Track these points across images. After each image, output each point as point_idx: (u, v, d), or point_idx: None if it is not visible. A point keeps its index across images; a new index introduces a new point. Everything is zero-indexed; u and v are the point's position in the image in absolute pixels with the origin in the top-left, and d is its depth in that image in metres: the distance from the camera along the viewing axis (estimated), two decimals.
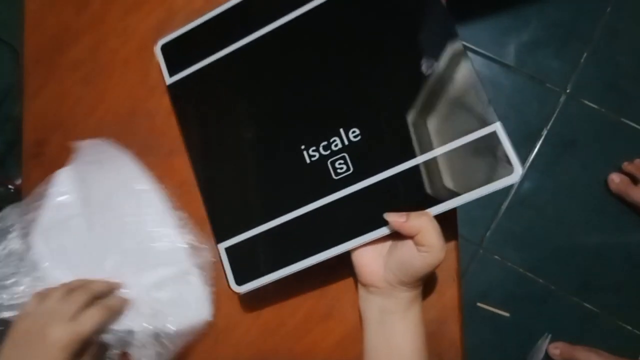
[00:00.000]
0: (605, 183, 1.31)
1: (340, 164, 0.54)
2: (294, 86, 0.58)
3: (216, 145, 0.60)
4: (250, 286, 0.56)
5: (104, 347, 0.57)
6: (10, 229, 0.61)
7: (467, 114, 0.52)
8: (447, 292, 0.59)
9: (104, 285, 0.58)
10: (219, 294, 0.62)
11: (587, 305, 1.31)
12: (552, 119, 1.35)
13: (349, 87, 0.56)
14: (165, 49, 0.63)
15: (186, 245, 0.61)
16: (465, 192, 0.51)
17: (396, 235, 0.52)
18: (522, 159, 1.35)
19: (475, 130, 0.51)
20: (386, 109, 0.54)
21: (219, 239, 0.57)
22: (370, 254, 0.53)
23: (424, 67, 0.53)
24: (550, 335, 1.32)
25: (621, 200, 1.30)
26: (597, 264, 1.31)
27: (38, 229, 0.61)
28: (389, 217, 0.51)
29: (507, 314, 1.33)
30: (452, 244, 0.59)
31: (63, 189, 0.63)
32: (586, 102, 1.35)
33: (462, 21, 1.40)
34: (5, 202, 1.20)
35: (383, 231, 0.52)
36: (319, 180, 0.55)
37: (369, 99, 0.55)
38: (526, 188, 1.35)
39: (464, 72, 0.52)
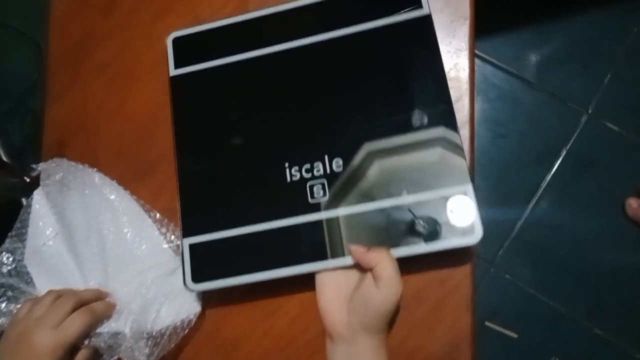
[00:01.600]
0: (623, 206, 1.30)
1: (318, 188, 0.57)
2: (291, 105, 0.61)
3: (204, 142, 0.62)
4: (205, 286, 0.58)
5: (96, 353, 0.58)
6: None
7: (444, 170, 0.55)
8: (462, 317, 0.58)
9: (91, 293, 0.59)
10: (229, 307, 0.61)
11: (597, 331, 1.30)
12: (573, 139, 1.34)
13: (341, 119, 0.59)
14: (176, 41, 0.65)
15: (167, 246, 0.62)
16: (425, 242, 0.54)
17: (359, 277, 0.54)
18: (541, 177, 1.34)
19: (448, 187, 0.55)
20: (372, 147, 0.57)
21: (186, 233, 0.59)
22: (334, 299, 0.54)
23: (414, 119, 0.57)
24: (558, 359, 1.30)
25: (638, 225, 1.29)
26: (609, 287, 1.30)
27: (26, 257, 0.63)
28: (352, 247, 0.53)
29: (515, 335, 1.32)
30: (468, 270, 0.59)
31: (41, 212, 0.64)
32: (607, 123, 1.33)
33: (485, 34, 1.39)
34: (21, 194, 1.22)
35: (346, 261, 0.54)
36: (295, 199, 0.58)
37: (358, 134, 0.58)
38: (542, 207, 1.34)
39: (449, 132, 0.56)
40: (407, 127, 0.57)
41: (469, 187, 0.54)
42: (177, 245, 0.62)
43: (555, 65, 1.37)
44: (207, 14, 0.67)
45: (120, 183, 0.65)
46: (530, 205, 1.34)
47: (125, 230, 0.62)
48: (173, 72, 0.64)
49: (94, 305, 0.58)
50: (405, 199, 0.55)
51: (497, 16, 1.35)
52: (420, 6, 0.60)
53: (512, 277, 1.33)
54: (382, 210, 0.56)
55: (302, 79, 0.61)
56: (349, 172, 0.57)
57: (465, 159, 0.55)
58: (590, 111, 1.34)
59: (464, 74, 0.61)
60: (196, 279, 0.58)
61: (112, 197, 0.63)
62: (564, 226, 1.32)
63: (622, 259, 1.30)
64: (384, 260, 0.51)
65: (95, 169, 0.64)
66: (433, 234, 0.54)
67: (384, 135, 0.57)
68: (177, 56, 0.64)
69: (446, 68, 0.61)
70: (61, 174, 0.63)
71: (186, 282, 0.58)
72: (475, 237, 0.54)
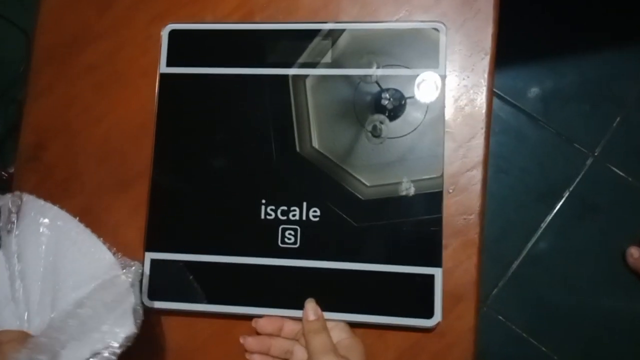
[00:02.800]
0: (623, 254, 1.26)
1: (290, 234, 0.56)
2: (283, 139, 0.57)
3: (183, 156, 0.59)
4: (159, 305, 0.57)
5: None
6: None
7: (419, 248, 0.55)
8: None
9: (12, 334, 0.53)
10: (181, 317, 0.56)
11: None
12: (576, 181, 1.30)
13: (329, 170, 0.56)
14: (173, 35, 0.61)
15: (110, 259, 0.56)
16: (381, 314, 0.54)
17: None
18: (540, 218, 1.30)
19: (419, 266, 0.54)
20: (351, 206, 0.56)
21: (149, 247, 0.58)
22: None
23: (402, 188, 0.55)
24: None
25: (637, 275, 1.25)
26: (602, 336, 1.26)
27: None
28: (308, 304, 0.53)
29: None
30: (471, 322, 0.55)
31: None
32: (613, 167, 1.30)
33: (496, 67, 1.35)
34: None
35: (297, 313, 0.54)
36: (265, 240, 0.56)
37: (340, 190, 0.56)
38: (540, 248, 1.29)
39: (434, 210, 0.55)
40: (393, 199, 0.55)
41: (439, 272, 0.54)
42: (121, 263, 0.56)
43: (563, 104, 1.33)
44: (210, 19, 0.62)
45: (99, 192, 0.61)
46: (529, 245, 1.29)
47: (65, 252, 0.55)
48: (164, 69, 0.60)
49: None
50: (373, 266, 0.55)
51: (507, 48, 1.31)
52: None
53: (504, 318, 1.28)
54: (347, 272, 0.55)
55: (302, 113, 0.58)
56: (324, 225, 0.56)
57: (442, 240, 0.55)
58: (596, 154, 1.30)
59: (481, 111, 0.57)
60: (152, 295, 0.57)
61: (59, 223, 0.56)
62: (561, 270, 1.28)
63: (618, 308, 1.26)
64: (308, 336, 0.51)
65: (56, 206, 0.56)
66: (392, 306, 0.54)
67: (366, 198, 0.56)
68: (172, 52, 0.60)
69: (461, 103, 0.57)
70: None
71: (142, 298, 0.56)
72: (431, 321, 0.53)
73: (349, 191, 0.56)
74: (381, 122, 0.56)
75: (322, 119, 0.57)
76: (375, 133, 0.56)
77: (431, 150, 0.55)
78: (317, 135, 0.57)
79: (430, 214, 0.55)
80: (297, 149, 0.57)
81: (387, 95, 0.56)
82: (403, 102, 0.56)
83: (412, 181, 0.55)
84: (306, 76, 0.58)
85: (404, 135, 0.56)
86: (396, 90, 0.56)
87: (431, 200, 0.55)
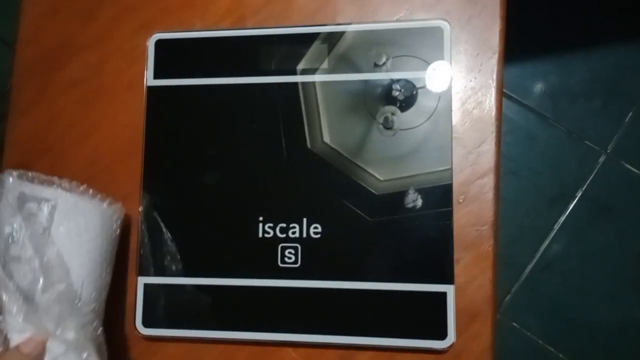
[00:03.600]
0: (639, 257, 1.22)
1: (290, 252, 0.52)
2: (280, 152, 0.54)
3: (174, 173, 0.56)
4: (155, 332, 0.53)
5: None
6: None
7: (430, 264, 0.51)
8: None
9: None
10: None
11: None
12: (589, 180, 1.26)
13: (330, 183, 0.53)
14: (159, 45, 0.57)
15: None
16: (390, 336, 0.50)
17: None
18: (553, 220, 1.26)
19: (429, 283, 0.51)
20: (354, 220, 0.52)
21: (142, 272, 0.54)
22: None
23: (407, 200, 0.52)
24: None
25: None
26: (622, 342, 1.22)
27: None
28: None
29: None
30: (487, 341, 0.51)
31: None
32: (627, 165, 1.25)
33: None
34: None
35: (300, 337, 0.51)
36: (263, 260, 0.53)
37: (353, 185, 0.53)
38: (554, 252, 1.25)
39: (442, 224, 0.51)
40: (399, 210, 0.52)
41: (451, 289, 0.50)
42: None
43: (573, 101, 1.29)
44: (199, 28, 0.59)
45: None
46: (542, 249, 1.25)
47: None
48: (151, 81, 0.57)
49: None
50: (381, 285, 0.51)
51: (514, 45, 1.28)
52: None
53: (519, 325, 1.24)
54: (352, 292, 0.51)
55: (299, 124, 0.54)
56: (326, 242, 0.52)
57: (454, 256, 0.51)
58: (609, 151, 1.26)
59: (490, 114, 0.53)
60: (147, 323, 0.54)
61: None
62: (577, 273, 1.24)
63: (635, 312, 1.22)
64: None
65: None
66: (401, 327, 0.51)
67: (372, 212, 0.52)
68: (159, 63, 0.57)
69: (469, 107, 0.53)
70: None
71: (136, 324, 0.54)
72: (444, 343, 0.50)
73: (362, 186, 0.52)
74: (392, 114, 0.53)
75: (332, 114, 0.54)
76: (387, 125, 0.52)
77: (444, 142, 0.52)
78: (328, 131, 0.54)
79: (442, 207, 0.51)
80: (308, 145, 0.54)
81: (398, 86, 0.53)
82: (414, 92, 0.52)
83: (421, 174, 0.52)
84: (309, 83, 0.54)
85: (416, 126, 0.53)
86: (407, 81, 0.53)
87: (443, 193, 0.52)
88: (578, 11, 1.33)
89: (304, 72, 0.54)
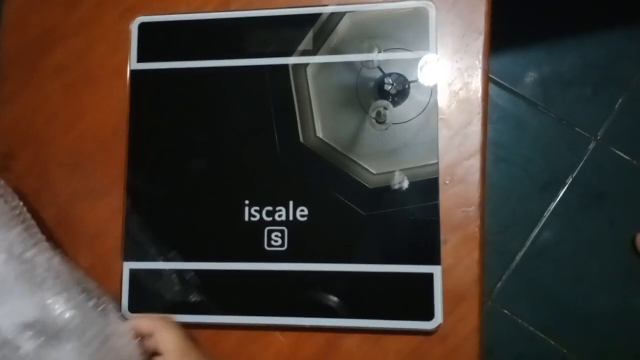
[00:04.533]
0: (633, 242, 1.22)
1: (276, 236, 0.52)
2: (264, 134, 0.54)
3: (159, 158, 0.55)
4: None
5: None
6: None
7: (417, 246, 0.51)
8: None
9: None
10: None
11: None
12: (579, 167, 1.26)
13: (316, 165, 0.53)
14: (143, 28, 0.57)
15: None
16: (378, 318, 0.50)
17: None
18: (544, 207, 1.26)
19: (416, 265, 0.51)
20: (342, 201, 0.52)
21: (127, 257, 0.54)
22: None
23: (394, 182, 0.52)
24: None
25: None
26: (616, 329, 1.22)
27: None
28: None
29: None
30: (474, 323, 0.51)
31: None
32: (617, 151, 1.26)
33: (490, 50, 1.31)
34: None
35: (287, 321, 0.52)
36: (250, 244, 0.53)
37: (332, 186, 0.53)
38: (545, 239, 1.25)
39: (429, 205, 0.51)
40: (387, 192, 0.52)
41: (438, 270, 0.50)
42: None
43: (564, 88, 1.29)
44: (184, 11, 0.58)
45: (73, 202, 0.57)
46: (532, 236, 1.25)
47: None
48: (135, 65, 0.57)
49: None
50: (369, 267, 0.51)
51: (504, 31, 1.27)
52: None
53: (510, 312, 1.24)
54: (340, 274, 0.51)
55: (286, 106, 0.54)
56: (313, 224, 0.52)
57: (441, 238, 0.51)
58: (599, 137, 1.26)
59: (477, 95, 0.53)
60: (132, 307, 0.54)
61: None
62: (568, 260, 1.24)
63: (630, 298, 1.22)
64: (159, 332, 0.46)
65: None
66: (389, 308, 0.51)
67: (358, 194, 0.52)
68: (142, 47, 0.57)
69: (456, 88, 0.53)
70: None
71: (122, 309, 0.54)
72: (432, 323, 0.50)
73: (355, 180, 0.52)
74: (385, 108, 0.52)
75: (324, 107, 0.53)
76: (380, 119, 0.52)
77: (433, 135, 0.52)
78: (321, 125, 0.53)
79: (427, 201, 0.51)
80: (301, 139, 0.53)
81: (391, 80, 0.52)
82: (407, 86, 0.52)
83: (412, 169, 0.52)
84: (299, 65, 0.54)
85: (409, 121, 0.52)
86: (399, 74, 0.53)
87: (429, 187, 0.52)
88: None
89: (291, 54, 0.54)
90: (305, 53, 0.54)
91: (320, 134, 0.53)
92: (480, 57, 0.53)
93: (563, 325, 1.23)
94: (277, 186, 0.53)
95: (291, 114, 0.53)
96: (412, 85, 0.53)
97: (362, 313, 0.51)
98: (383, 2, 0.55)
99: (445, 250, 0.51)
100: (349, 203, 0.52)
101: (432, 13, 0.53)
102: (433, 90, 0.53)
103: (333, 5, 0.55)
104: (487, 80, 0.53)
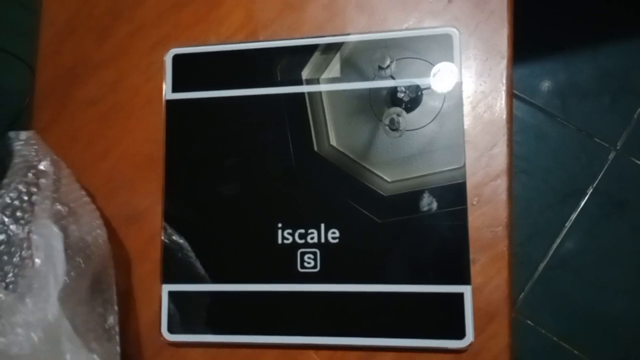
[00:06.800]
0: None
1: (309, 258, 0.53)
2: (294, 158, 0.55)
3: (195, 183, 0.57)
4: (179, 338, 0.55)
5: None
6: None
7: (447, 266, 0.52)
8: None
9: None
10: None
11: None
12: (599, 177, 1.26)
13: (340, 186, 0.54)
14: (176, 60, 0.59)
15: None
16: (410, 337, 0.51)
17: None
18: (565, 217, 1.26)
19: (446, 284, 0.51)
20: (371, 223, 0.53)
21: (166, 279, 0.56)
22: None
23: (422, 204, 0.53)
24: None
25: None
26: (638, 337, 1.21)
27: None
28: None
29: None
30: (505, 340, 0.52)
31: None
32: (637, 161, 1.26)
33: None
34: None
35: (320, 340, 0.53)
36: (283, 265, 0.54)
37: (361, 187, 0.54)
38: (567, 249, 1.26)
39: (458, 225, 0.52)
40: (416, 215, 0.53)
41: (468, 289, 0.51)
42: None
43: (582, 98, 1.30)
44: (214, 42, 0.60)
45: (110, 228, 0.59)
46: (554, 246, 1.26)
47: None
48: (170, 95, 0.58)
49: None
50: (399, 287, 0.52)
51: (521, 43, 1.28)
52: None
53: (533, 323, 1.24)
54: (370, 295, 0.52)
55: (306, 128, 0.55)
56: (345, 246, 0.53)
57: (470, 256, 0.52)
58: (618, 147, 1.26)
59: (501, 117, 0.54)
60: (172, 329, 0.55)
61: None
62: (590, 269, 1.24)
63: None
64: None
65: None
66: (419, 328, 0.52)
67: (387, 214, 0.53)
68: (176, 77, 0.59)
69: (480, 111, 0.54)
70: None
71: (162, 330, 0.55)
72: (462, 342, 0.51)
73: (370, 188, 0.53)
74: (398, 115, 0.54)
75: (338, 117, 0.55)
76: (393, 126, 0.53)
77: (452, 140, 0.53)
78: (335, 134, 0.55)
79: (455, 206, 0.52)
80: (316, 149, 0.55)
81: (403, 88, 0.54)
82: (419, 93, 0.53)
83: (434, 174, 0.53)
84: (316, 92, 0.56)
85: (422, 127, 0.53)
86: (412, 83, 0.54)
87: (455, 192, 0.53)
88: (585, 8, 1.33)
89: (311, 81, 0.56)
90: (321, 79, 0.56)
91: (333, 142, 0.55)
92: (504, 79, 0.55)
93: (586, 334, 1.23)
94: (308, 209, 0.54)
95: (305, 124, 0.55)
96: (424, 92, 0.54)
97: (395, 332, 0.52)
98: (406, 29, 0.56)
99: (475, 270, 0.52)
100: (366, 212, 0.53)
101: (456, 38, 0.54)
102: (447, 96, 0.54)
103: (356, 34, 0.56)
104: (511, 102, 0.55)
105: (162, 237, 0.57)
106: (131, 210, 0.59)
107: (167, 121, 0.58)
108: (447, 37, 0.54)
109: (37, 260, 0.50)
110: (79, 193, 0.56)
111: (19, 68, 1.32)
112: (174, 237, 0.56)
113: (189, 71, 0.58)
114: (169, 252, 0.56)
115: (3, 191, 0.52)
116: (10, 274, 0.50)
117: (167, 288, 0.56)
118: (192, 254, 0.56)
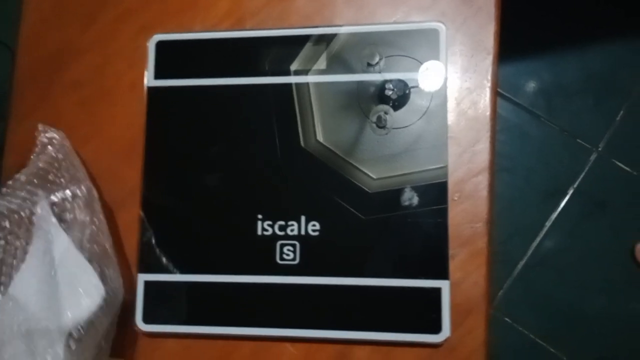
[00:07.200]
0: (632, 251, 1.23)
1: (288, 250, 0.53)
2: (265, 141, 0.55)
3: (175, 172, 0.57)
4: (155, 328, 0.54)
5: None
6: None
7: (425, 260, 0.52)
8: None
9: None
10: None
11: None
12: (580, 177, 1.27)
13: (324, 181, 0.54)
14: (160, 46, 0.58)
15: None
16: (387, 330, 0.52)
17: None
18: (546, 216, 1.27)
19: (425, 279, 0.51)
20: (355, 218, 0.53)
21: (142, 268, 0.55)
22: None
23: (403, 198, 0.53)
24: None
25: None
26: (616, 337, 1.23)
27: None
28: None
29: None
30: (481, 337, 0.52)
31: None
32: (618, 162, 1.27)
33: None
34: None
35: (298, 332, 0.53)
36: (262, 256, 0.54)
37: (346, 184, 0.54)
38: (547, 247, 1.27)
39: (439, 222, 0.52)
40: (396, 208, 0.53)
41: (446, 284, 0.52)
42: None
43: (566, 99, 1.31)
44: (199, 29, 0.59)
45: None
46: (534, 245, 1.27)
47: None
48: (152, 82, 0.58)
49: None
50: (377, 281, 0.52)
51: (506, 42, 1.28)
52: None
53: (512, 320, 1.25)
54: (348, 288, 0.52)
55: (293, 123, 0.55)
56: (324, 239, 0.53)
57: (449, 251, 0.52)
58: (600, 148, 1.28)
59: (485, 114, 0.54)
60: (147, 319, 0.54)
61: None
62: (569, 268, 1.26)
63: (630, 308, 1.23)
64: None
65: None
66: (396, 322, 0.52)
67: (367, 208, 0.53)
68: (159, 64, 0.58)
69: (464, 107, 0.54)
70: None
71: (136, 320, 0.54)
72: (439, 337, 0.51)
73: (355, 184, 0.53)
74: (385, 113, 0.54)
75: (325, 113, 0.55)
76: (380, 124, 0.53)
77: (438, 138, 0.54)
78: (322, 130, 0.55)
79: (437, 204, 0.53)
80: (302, 144, 0.55)
81: (391, 86, 0.54)
82: (407, 91, 0.54)
83: (419, 172, 0.53)
84: (303, 83, 0.55)
85: (409, 125, 0.54)
86: (400, 80, 0.54)
87: (439, 190, 0.53)
88: (572, 9, 1.34)
89: (297, 72, 0.55)
90: (310, 71, 0.56)
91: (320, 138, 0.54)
92: (489, 76, 0.55)
93: (564, 333, 1.24)
94: (289, 201, 0.54)
95: (292, 118, 0.55)
96: (412, 90, 0.54)
97: (371, 326, 0.52)
98: (393, 23, 0.56)
99: (453, 265, 0.53)
100: (351, 209, 0.53)
101: (443, 33, 0.54)
102: (434, 95, 0.54)
103: (344, 26, 0.56)
104: (495, 99, 0.55)
105: (140, 226, 0.56)
106: (111, 198, 0.58)
107: (149, 109, 0.58)
108: (434, 32, 0.54)
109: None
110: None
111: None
112: (151, 226, 0.56)
113: (172, 58, 0.58)
114: (146, 242, 0.56)
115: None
116: None
117: (143, 278, 0.55)
118: (169, 244, 0.55)
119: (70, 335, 0.49)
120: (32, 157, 0.55)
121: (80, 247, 0.52)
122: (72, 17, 0.62)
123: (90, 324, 0.50)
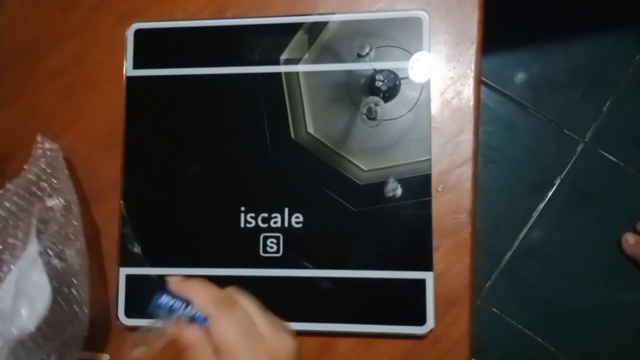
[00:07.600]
0: (619, 242, 1.23)
1: (272, 242, 0.53)
2: (261, 142, 0.54)
3: (155, 162, 0.56)
4: (137, 323, 0.53)
5: None
6: None
7: (409, 252, 0.52)
8: None
9: None
10: None
11: None
12: (567, 168, 1.27)
13: (307, 163, 0.54)
14: (139, 35, 0.57)
15: None
16: (371, 322, 0.51)
17: None
18: (532, 208, 1.27)
19: (409, 270, 0.51)
20: (337, 209, 0.53)
21: (124, 262, 0.54)
22: None
23: (387, 189, 0.52)
24: None
25: (634, 262, 1.22)
26: (602, 327, 1.23)
27: None
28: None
29: None
30: (465, 327, 0.52)
31: None
32: (605, 153, 1.27)
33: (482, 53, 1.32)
34: None
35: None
36: (245, 249, 0.53)
37: (326, 194, 0.53)
38: (534, 238, 1.27)
39: (422, 213, 0.52)
40: (382, 200, 0.53)
41: (430, 276, 0.51)
42: None
43: (553, 90, 1.30)
44: (180, 18, 0.58)
45: None
46: (521, 236, 1.27)
47: None
48: (131, 72, 0.57)
49: None
50: (362, 272, 0.52)
51: (494, 34, 1.28)
52: None
53: (499, 311, 1.26)
54: (334, 280, 0.52)
55: (283, 115, 0.54)
56: (308, 231, 0.53)
57: (433, 244, 0.52)
58: (587, 139, 1.28)
59: (468, 104, 0.54)
60: (129, 313, 0.54)
61: None
62: (556, 259, 1.26)
63: (616, 297, 1.24)
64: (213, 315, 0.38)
65: None
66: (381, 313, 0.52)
67: (352, 200, 0.53)
68: (138, 53, 0.57)
69: (448, 96, 0.54)
70: None
71: (118, 315, 0.54)
72: (423, 328, 0.51)
73: (346, 176, 0.53)
74: (376, 104, 0.53)
75: (316, 104, 0.54)
76: (371, 115, 0.53)
77: (426, 131, 0.53)
78: (312, 121, 0.54)
79: (419, 197, 0.52)
80: (292, 136, 0.54)
81: (382, 77, 0.53)
82: (397, 82, 0.53)
83: (403, 165, 0.52)
84: (292, 73, 0.55)
85: (399, 117, 0.53)
86: (390, 71, 0.53)
87: (421, 183, 0.52)
88: (561, 2, 1.33)
89: (287, 62, 0.55)
90: (300, 60, 0.55)
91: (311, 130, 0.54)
92: (473, 65, 0.54)
93: (550, 323, 1.25)
94: (273, 193, 0.54)
95: (282, 110, 0.54)
96: (402, 81, 0.53)
97: (356, 318, 0.52)
98: (377, 11, 0.56)
99: (437, 256, 0.52)
100: (341, 200, 0.53)
101: (426, 21, 0.53)
102: (423, 87, 0.53)
103: (328, 14, 0.55)
104: (479, 88, 0.54)
105: (120, 219, 0.55)
106: (91, 189, 0.58)
107: (128, 99, 0.57)
108: (417, 21, 0.54)
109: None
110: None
111: None
112: (132, 219, 0.55)
113: (152, 47, 0.57)
114: (127, 234, 0.55)
115: None
116: None
117: (124, 271, 0.55)
118: (151, 237, 0.55)
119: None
120: (24, 167, 0.54)
121: (48, 262, 0.51)
122: (51, 4, 0.61)
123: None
